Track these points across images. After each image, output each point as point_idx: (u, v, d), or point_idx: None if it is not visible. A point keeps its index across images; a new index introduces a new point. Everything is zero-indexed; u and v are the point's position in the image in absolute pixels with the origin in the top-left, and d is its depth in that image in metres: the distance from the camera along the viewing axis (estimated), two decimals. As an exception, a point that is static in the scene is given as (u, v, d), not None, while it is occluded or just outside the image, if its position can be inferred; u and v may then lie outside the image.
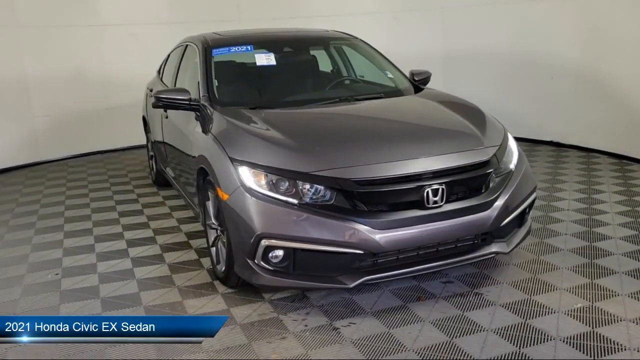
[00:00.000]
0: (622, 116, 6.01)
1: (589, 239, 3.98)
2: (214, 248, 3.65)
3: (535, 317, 2.98)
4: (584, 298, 3.15)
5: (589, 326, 2.86)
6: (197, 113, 3.93)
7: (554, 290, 3.27)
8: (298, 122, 3.54)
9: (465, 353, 2.68)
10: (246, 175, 3.06)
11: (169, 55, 5.69)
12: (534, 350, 2.67)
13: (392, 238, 2.89)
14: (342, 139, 3.27)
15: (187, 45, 4.92)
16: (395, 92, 4.21)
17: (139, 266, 3.89)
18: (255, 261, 3.02)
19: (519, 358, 2.62)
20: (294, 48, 4.64)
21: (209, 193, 3.54)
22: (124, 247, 4.27)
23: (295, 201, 2.93)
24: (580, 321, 2.91)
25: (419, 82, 4.38)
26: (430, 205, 2.98)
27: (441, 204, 3.00)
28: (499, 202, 3.15)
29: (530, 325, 2.89)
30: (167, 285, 3.58)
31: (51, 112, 7.35)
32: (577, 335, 2.78)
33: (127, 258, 4.06)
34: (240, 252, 3.08)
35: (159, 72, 5.95)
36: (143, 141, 7.98)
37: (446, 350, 2.71)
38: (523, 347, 2.70)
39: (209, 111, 3.80)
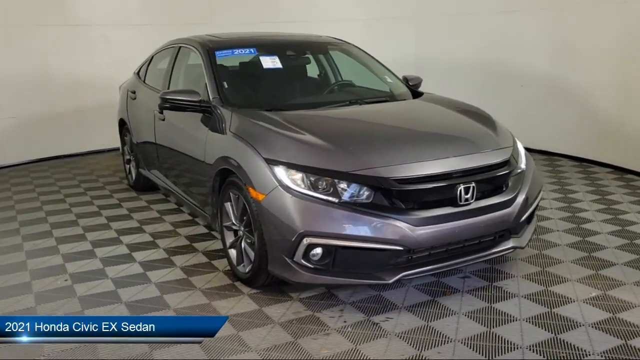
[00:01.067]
0: (587, 122, 6.40)
1: (580, 234, 4.26)
2: (233, 250, 3.65)
3: (559, 306, 3.18)
4: (595, 288, 3.38)
5: (610, 312, 3.08)
6: (206, 115, 3.92)
7: (566, 281, 3.49)
8: (324, 123, 3.60)
9: (509, 341, 2.82)
10: (283, 175, 3.09)
11: (152, 57, 5.59)
12: (569, 336, 2.86)
13: (429, 234, 3.01)
14: (373, 139, 3.36)
15: (180, 47, 4.87)
16: (397, 96, 4.34)
17: (151, 270, 3.82)
18: (295, 259, 3.05)
19: (558, 343, 2.79)
20: (296, 52, 4.69)
21: (231, 194, 3.53)
22: (127, 252, 4.16)
23: (335, 200, 2.99)
24: (600, 308, 3.13)
25: (412, 87, 4.55)
26: (462, 203, 3.12)
27: (471, 201, 3.15)
28: (519, 199, 3.34)
29: (557, 314, 3.08)
30: (187, 288, 3.54)
31: (16, 113, 7.02)
32: (603, 320, 3.00)
33: (134, 262, 3.97)
34: (278, 251, 3.11)
35: (138, 74, 5.82)
36: (110, 145, 7.86)
37: (489, 339, 2.85)
38: (558, 334, 2.88)
39: (220, 112, 3.80)
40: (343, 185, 3.02)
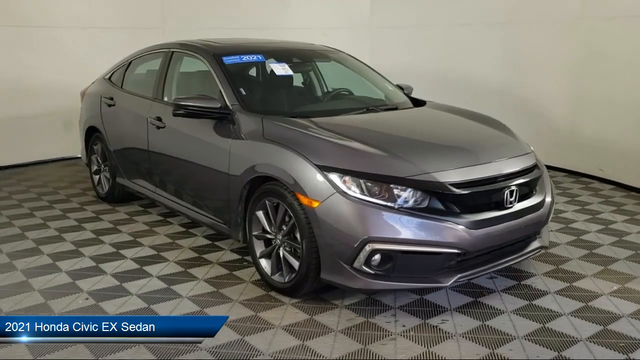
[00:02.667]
0: (542, 130, 6.76)
1: (572, 234, 4.56)
2: (264, 259, 3.57)
3: (591, 300, 3.39)
4: (613, 282, 3.64)
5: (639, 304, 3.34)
6: (224, 122, 3.81)
7: (584, 277, 3.72)
8: (361, 130, 3.60)
9: (567, 335, 2.98)
10: (339, 182, 3.08)
11: (130, 62, 5.33)
12: (617, 326, 3.06)
13: (483, 237, 3.11)
14: (417, 145, 3.42)
15: (172, 53, 4.69)
16: (402, 104, 4.41)
17: (175, 284, 3.64)
18: (355, 266, 3.04)
19: (608, 334, 2.99)
20: (301, 60, 4.65)
21: (267, 202, 3.46)
22: (137, 266, 3.94)
23: (394, 205, 3.02)
24: (628, 300, 3.38)
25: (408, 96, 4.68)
26: (507, 206, 3.26)
27: (515, 204, 3.30)
28: (548, 200, 3.54)
29: (595, 307, 3.29)
30: (224, 300, 3.42)
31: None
32: (637, 311, 3.24)
33: (151, 277, 3.76)
34: (335, 258, 3.08)
35: (109, 79, 5.53)
36: (55, 154, 7.38)
37: (549, 334, 2.99)
38: (606, 325, 3.08)
39: (243, 119, 3.72)
40: (398, 190, 3.05)
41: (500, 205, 3.24)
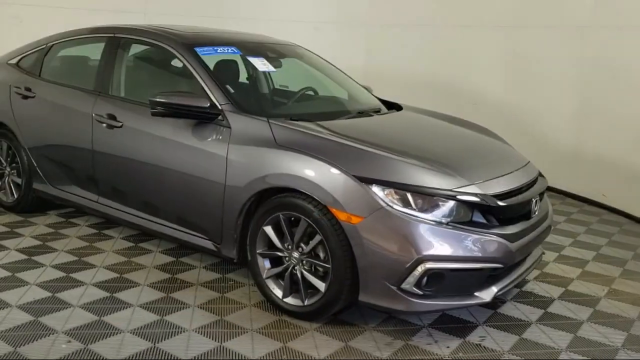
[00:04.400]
0: (542, 146, 5.99)
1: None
2: (271, 280, 3.19)
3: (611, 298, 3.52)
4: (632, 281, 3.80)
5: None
6: (212, 124, 3.34)
7: (592, 275, 3.85)
8: (383, 136, 3.33)
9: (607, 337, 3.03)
10: (384, 196, 2.82)
11: (50, 47, 4.51)
12: None
13: (519, 249, 3.04)
14: (446, 154, 3.25)
15: (120, 40, 4.03)
16: (375, 108, 4.18)
17: (167, 314, 3.11)
18: (404, 287, 2.80)
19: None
20: (276, 55, 4.23)
21: (281, 217, 3.08)
22: (107, 295, 3.31)
23: (444, 220, 2.83)
24: None
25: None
26: (532, 216, 3.23)
27: (537, 213, 3.29)
28: (550, 209, 3.59)
29: (614, 304, 3.41)
30: (238, 331, 2.98)
31: None
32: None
33: (132, 307, 3.18)
34: (380, 278, 2.81)
35: (18, 65, 4.65)
36: None
37: (587, 344, 3.01)
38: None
39: (239, 121, 3.28)
40: (444, 204, 2.87)
41: (527, 216, 3.19)
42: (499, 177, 3.13)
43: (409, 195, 2.81)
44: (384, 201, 2.79)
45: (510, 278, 3.16)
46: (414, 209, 2.80)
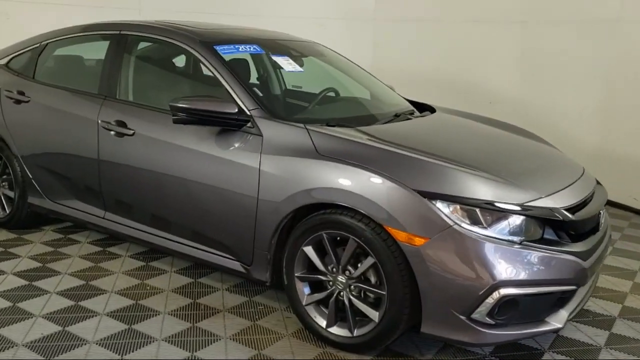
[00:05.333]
0: (564, 150, 5.71)
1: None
2: (312, 307, 2.84)
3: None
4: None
5: None
6: (240, 131, 2.98)
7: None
8: (437, 144, 3.00)
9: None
10: (450, 213, 2.48)
11: (44, 45, 4.08)
12: None
13: (591, 266, 2.73)
14: (508, 162, 2.92)
15: (127, 37, 3.62)
16: (408, 111, 3.86)
17: (200, 349, 2.73)
18: (474, 317, 2.46)
19: None
20: (299, 54, 3.85)
21: (324, 236, 2.72)
22: (125, 327, 2.92)
23: (517, 239, 2.50)
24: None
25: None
26: (599, 228, 2.93)
27: (603, 226, 2.98)
28: (607, 218, 3.29)
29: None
30: (281, 368, 2.62)
31: None
32: None
33: (156, 341, 2.79)
34: (447, 307, 2.47)
35: (7, 66, 4.22)
36: None
37: None
38: None
39: (272, 129, 2.92)
40: (515, 220, 2.54)
41: (595, 229, 2.89)
42: (564, 188, 2.81)
43: (478, 212, 2.48)
44: (450, 219, 2.45)
45: (578, 299, 2.84)
46: (485, 227, 2.47)
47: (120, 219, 3.56)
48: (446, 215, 2.46)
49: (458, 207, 2.49)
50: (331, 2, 7.34)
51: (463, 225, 2.45)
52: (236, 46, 3.40)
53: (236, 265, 3.10)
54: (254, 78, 4.00)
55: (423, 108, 3.89)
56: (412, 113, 3.67)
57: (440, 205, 2.48)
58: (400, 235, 2.49)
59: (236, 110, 2.96)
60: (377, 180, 2.56)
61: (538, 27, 6.05)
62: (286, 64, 3.44)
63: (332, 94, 3.87)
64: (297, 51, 3.79)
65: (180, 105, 2.90)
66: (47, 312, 3.02)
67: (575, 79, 5.73)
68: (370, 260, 2.61)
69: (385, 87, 4.11)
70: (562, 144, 5.61)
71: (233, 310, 3.14)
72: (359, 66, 4.27)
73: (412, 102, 3.96)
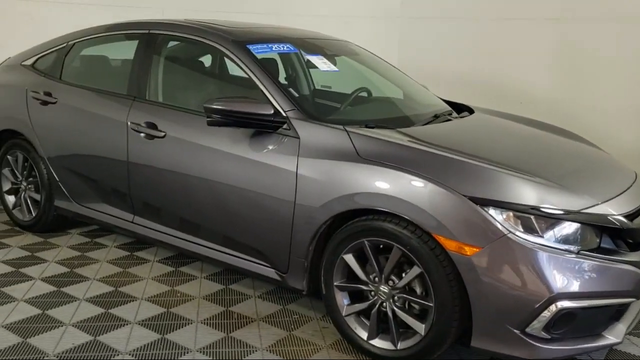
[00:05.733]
0: None
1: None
2: (351, 317, 2.72)
3: None
4: None
5: None
6: (275, 133, 2.86)
7: None
8: (485, 146, 2.87)
9: None
10: (503, 220, 2.33)
11: (71, 46, 3.99)
12: None
13: (647, 277, 2.57)
14: (558, 166, 2.77)
15: (157, 36, 3.52)
16: (446, 111, 3.72)
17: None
18: (529, 330, 2.32)
19: None
20: (333, 53, 3.72)
21: (366, 243, 2.59)
22: (158, 336, 2.81)
23: (574, 248, 2.35)
24: None
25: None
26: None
27: None
28: None
29: None
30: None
31: None
32: None
33: (190, 352, 2.69)
34: (500, 321, 2.33)
35: (33, 66, 4.14)
36: None
37: None
38: None
39: (309, 130, 2.80)
40: (571, 228, 2.39)
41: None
42: (620, 194, 2.65)
43: (533, 219, 2.33)
44: (504, 227, 2.31)
45: (635, 311, 2.68)
46: (540, 236, 2.32)
47: (150, 223, 3.46)
48: (499, 223, 2.31)
49: (511, 214, 2.34)
50: (356, 0, 7.16)
51: (517, 233, 2.31)
52: (269, 45, 3.28)
53: (270, 273, 2.98)
54: (282, 78, 3.89)
55: (459, 108, 3.73)
56: (450, 114, 3.52)
57: (492, 212, 2.33)
58: (450, 244, 2.36)
59: (272, 111, 2.84)
60: (424, 185, 2.42)
61: (574, 25, 5.80)
62: (321, 63, 3.31)
63: (364, 94, 3.74)
64: (330, 50, 3.65)
65: (215, 106, 2.79)
66: (77, 320, 2.92)
67: (615, 79, 5.47)
68: (416, 270, 2.48)
69: (420, 87, 3.97)
70: (602, 146, 5.46)
71: (267, 319, 3.02)
72: (392, 66, 4.13)
73: (447, 102, 3.81)
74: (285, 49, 3.37)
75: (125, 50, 3.74)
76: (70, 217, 4.00)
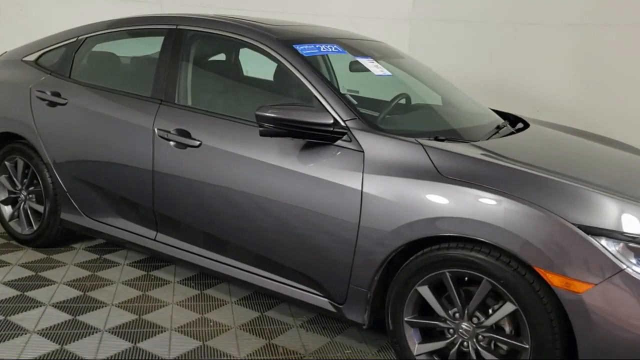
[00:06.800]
0: None
1: None
2: (424, 356, 2.40)
3: None
4: None
5: None
6: (333, 145, 2.52)
7: None
8: (574, 164, 2.58)
9: None
10: (616, 252, 2.04)
11: (83, 40, 3.59)
12: None
13: None
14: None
15: (186, 32, 3.15)
16: (499, 123, 3.42)
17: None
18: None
19: None
20: (379, 55, 3.38)
21: (448, 275, 2.28)
22: (197, 377, 2.44)
23: (690, 283, 2.06)
24: None
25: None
26: None
27: None
28: None
29: None
30: None
31: None
32: None
33: (240, 398, 2.32)
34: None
35: (37, 62, 3.73)
36: None
37: None
38: None
39: (376, 143, 2.47)
40: None
41: None
42: None
43: (644, 252, 2.04)
44: (620, 260, 2.01)
45: None
46: (656, 272, 2.03)
47: (176, 241, 3.09)
48: (614, 256, 2.01)
49: (624, 245, 2.04)
50: (366, 1, 6.84)
51: (633, 267, 2.01)
52: (317, 46, 2.94)
53: (322, 303, 2.64)
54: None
55: (504, 117, 3.46)
56: (504, 125, 3.22)
57: (605, 243, 2.03)
58: (555, 280, 2.05)
59: (332, 121, 2.50)
60: (524, 210, 2.11)
61: (598, 30, 5.59)
62: (373, 66, 2.98)
63: (403, 101, 3.41)
64: (377, 52, 3.32)
65: (270, 114, 2.44)
66: (104, 356, 2.53)
67: (636, 85, 5.29)
68: (509, 307, 2.17)
69: (465, 95, 3.67)
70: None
71: (317, 354, 2.68)
72: (429, 68, 3.83)
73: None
74: (333, 50, 3.02)
75: (147, 47, 3.37)
76: (77, 232, 3.59)
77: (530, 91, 6.11)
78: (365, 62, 2.99)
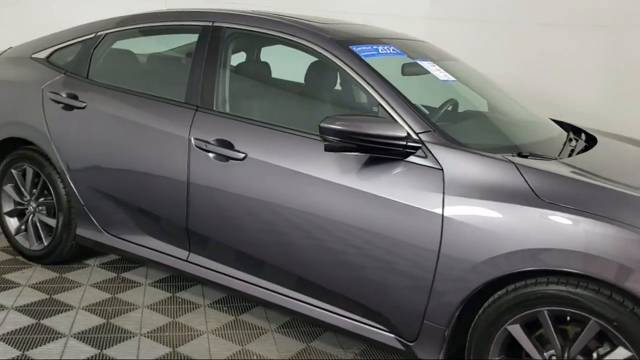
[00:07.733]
0: None
1: None
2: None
3: None
4: None
5: None
6: (404, 161, 2.22)
7: None
8: None
9: None
10: None
11: (102, 36, 3.24)
12: None
13: None
14: None
15: (225, 30, 2.81)
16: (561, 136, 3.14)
17: None
18: None
19: None
20: (437, 58, 3.07)
21: (546, 313, 2.00)
22: None
23: None
24: None
25: None
26: None
27: None
28: None
29: None
30: None
31: None
32: None
33: None
34: None
35: (48, 60, 3.38)
36: None
37: None
38: None
39: (457, 160, 2.18)
40: None
41: None
42: None
43: None
44: None
45: None
46: None
47: (211, 263, 2.77)
48: None
49: None
50: None
51: None
52: (374, 47, 2.64)
53: (386, 339, 2.35)
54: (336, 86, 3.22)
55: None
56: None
57: None
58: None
59: (405, 134, 2.20)
60: (643, 242, 1.83)
61: (626, 33, 5.39)
62: (435, 70, 2.68)
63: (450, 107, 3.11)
64: (432, 54, 3.03)
65: (338, 127, 2.13)
66: (142, 404, 2.21)
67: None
68: (622, 353, 1.89)
69: (512, 100, 3.39)
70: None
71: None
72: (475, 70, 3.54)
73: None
74: (391, 51, 2.71)
75: (174, 45, 3.03)
76: (94, 248, 3.26)
77: (554, 94, 5.89)
78: (426, 65, 2.69)
